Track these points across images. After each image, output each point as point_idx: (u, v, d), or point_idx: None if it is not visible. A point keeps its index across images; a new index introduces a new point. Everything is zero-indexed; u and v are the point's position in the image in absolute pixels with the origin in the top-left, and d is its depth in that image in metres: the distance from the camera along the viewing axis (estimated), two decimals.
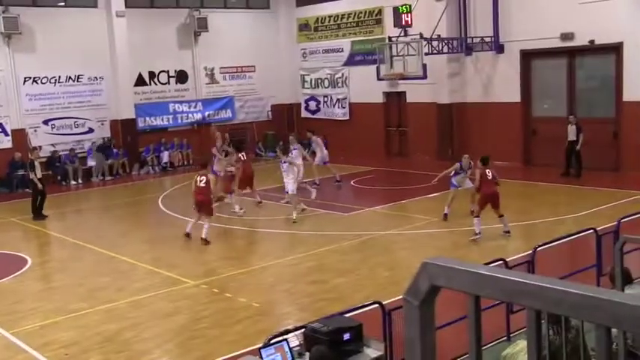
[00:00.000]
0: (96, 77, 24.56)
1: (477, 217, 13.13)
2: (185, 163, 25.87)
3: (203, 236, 13.69)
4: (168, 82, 26.58)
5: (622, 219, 9.81)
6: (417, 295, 1.77)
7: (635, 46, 18.51)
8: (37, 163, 17.66)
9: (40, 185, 17.42)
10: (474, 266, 1.62)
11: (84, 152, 24.13)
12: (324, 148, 20.32)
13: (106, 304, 10.43)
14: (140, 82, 25.76)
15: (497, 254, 10.28)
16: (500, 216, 13.15)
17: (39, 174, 17.54)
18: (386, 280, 10.83)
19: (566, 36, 19.93)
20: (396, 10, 21.33)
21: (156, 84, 26.26)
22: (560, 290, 1.46)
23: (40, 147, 21.97)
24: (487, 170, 13.31)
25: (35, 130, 23.35)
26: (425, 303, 1.73)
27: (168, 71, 26.47)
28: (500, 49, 21.71)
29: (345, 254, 12.66)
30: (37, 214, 17.44)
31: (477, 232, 13.01)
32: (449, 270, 1.65)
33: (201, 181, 13.96)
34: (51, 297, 10.97)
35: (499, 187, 13.33)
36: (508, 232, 13.17)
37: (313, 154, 20.34)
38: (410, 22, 21.06)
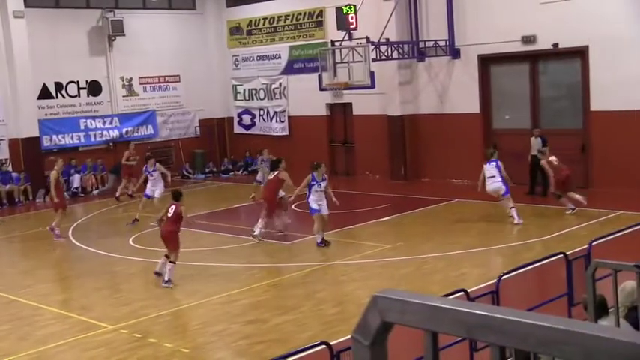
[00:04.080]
0: None
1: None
2: (100, 187, 25.40)
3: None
4: (79, 95, 26.14)
5: (593, 241, 10.08)
6: (367, 334, 1.76)
7: (602, 50, 19.16)
8: None
9: None
10: (429, 298, 1.63)
11: None
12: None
13: (5, 357, 10.08)
14: (45, 94, 25.25)
15: (458, 284, 10.41)
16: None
17: None
18: (333, 318, 10.82)
19: (528, 39, 20.50)
20: (339, 10, 21.53)
21: (64, 96, 25.79)
22: (526, 323, 1.47)
23: None
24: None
25: None
26: (376, 342, 1.73)
27: (78, 82, 26.04)
28: (455, 54, 22.15)
29: (286, 289, 12.61)
30: None
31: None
32: (401, 303, 1.65)
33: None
34: None
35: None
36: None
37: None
38: (355, 25, 21.28)
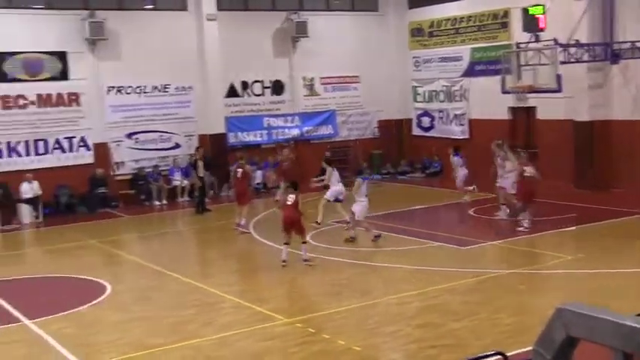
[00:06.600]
0: (184, 87, 25.52)
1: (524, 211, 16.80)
2: (280, 184, 26.20)
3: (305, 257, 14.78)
4: (263, 94, 27.23)
5: None
6: (549, 347, 1.75)
7: None
8: (200, 163, 22.22)
9: (199, 183, 22.24)
10: (622, 317, 1.60)
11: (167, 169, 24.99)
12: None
13: (189, 340, 10.71)
14: (232, 93, 26.54)
15: None
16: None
17: (201, 172, 22.25)
18: (510, 327, 10.59)
19: None
20: (525, 11, 20.96)
21: (249, 95, 26.97)
22: None
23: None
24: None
25: (118, 145, 24.48)
26: (559, 357, 1.72)
27: (262, 81, 27.14)
28: None
29: (462, 295, 12.47)
30: (203, 208, 22.10)
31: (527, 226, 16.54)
32: (590, 319, 1.63)
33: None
34: (130, 329, 11.40)
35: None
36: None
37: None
38: (543, 26, 20.65)
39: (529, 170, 17.32)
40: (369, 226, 16.87)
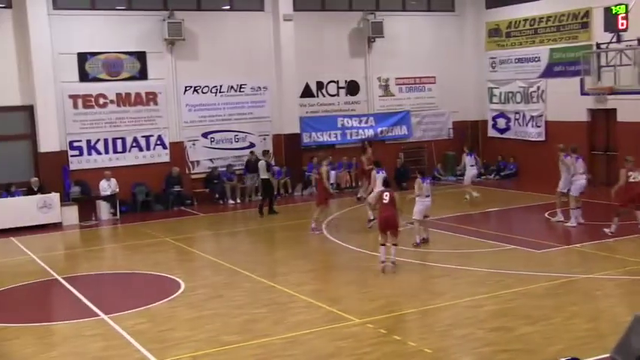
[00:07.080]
0: (259, 87, 25.82)
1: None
2: (353, 184, 26.27)
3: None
4: (338, 94, 27.32)
5: None
6: (627, 355, 1.71)
7: None
8: (261, 164, 22.39)
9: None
10: None
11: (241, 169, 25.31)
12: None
13: (261, 338, 10.82)
14: (306, 93, 26.70)
15: None
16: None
17: (264, 174, 22.23)
18: (586, 333, 10.35)
19: None
20: (607, 11, 20.44)
21: (324, 95, 27.10)
22: None
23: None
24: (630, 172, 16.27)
25: (194, 144, 24.92)
26: None
27: (337, 81, 27.23)
28: None
29: (536, 299, 12.25)
30: (269, 210, 21.94)
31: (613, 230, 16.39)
32: None
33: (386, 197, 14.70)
34: (203, 326, 11.58)
35: None
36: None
37: None
38: (625, 25, 20.09)
39: (634, 175, 16.86)
40: (419, 229, 16.70)
